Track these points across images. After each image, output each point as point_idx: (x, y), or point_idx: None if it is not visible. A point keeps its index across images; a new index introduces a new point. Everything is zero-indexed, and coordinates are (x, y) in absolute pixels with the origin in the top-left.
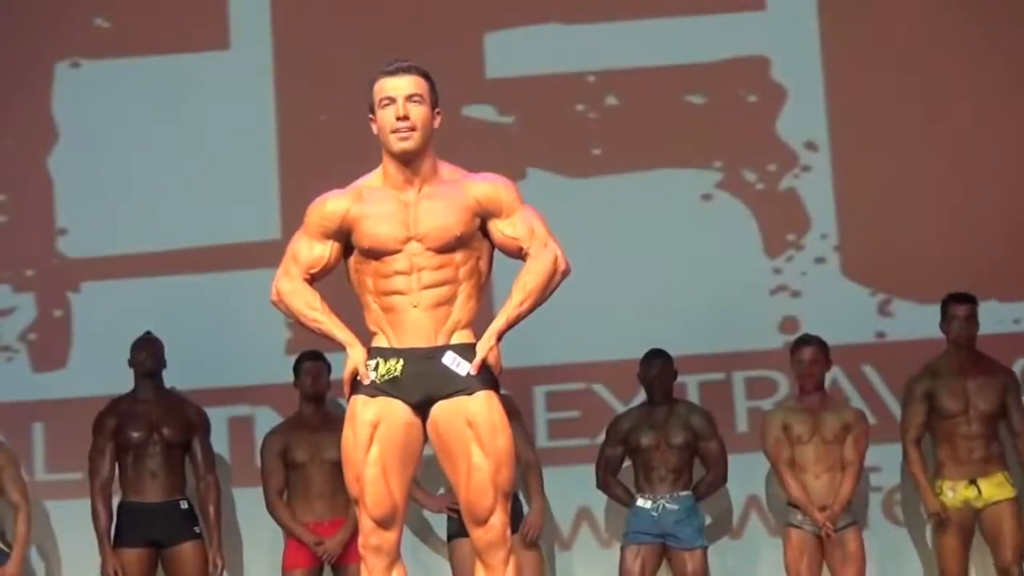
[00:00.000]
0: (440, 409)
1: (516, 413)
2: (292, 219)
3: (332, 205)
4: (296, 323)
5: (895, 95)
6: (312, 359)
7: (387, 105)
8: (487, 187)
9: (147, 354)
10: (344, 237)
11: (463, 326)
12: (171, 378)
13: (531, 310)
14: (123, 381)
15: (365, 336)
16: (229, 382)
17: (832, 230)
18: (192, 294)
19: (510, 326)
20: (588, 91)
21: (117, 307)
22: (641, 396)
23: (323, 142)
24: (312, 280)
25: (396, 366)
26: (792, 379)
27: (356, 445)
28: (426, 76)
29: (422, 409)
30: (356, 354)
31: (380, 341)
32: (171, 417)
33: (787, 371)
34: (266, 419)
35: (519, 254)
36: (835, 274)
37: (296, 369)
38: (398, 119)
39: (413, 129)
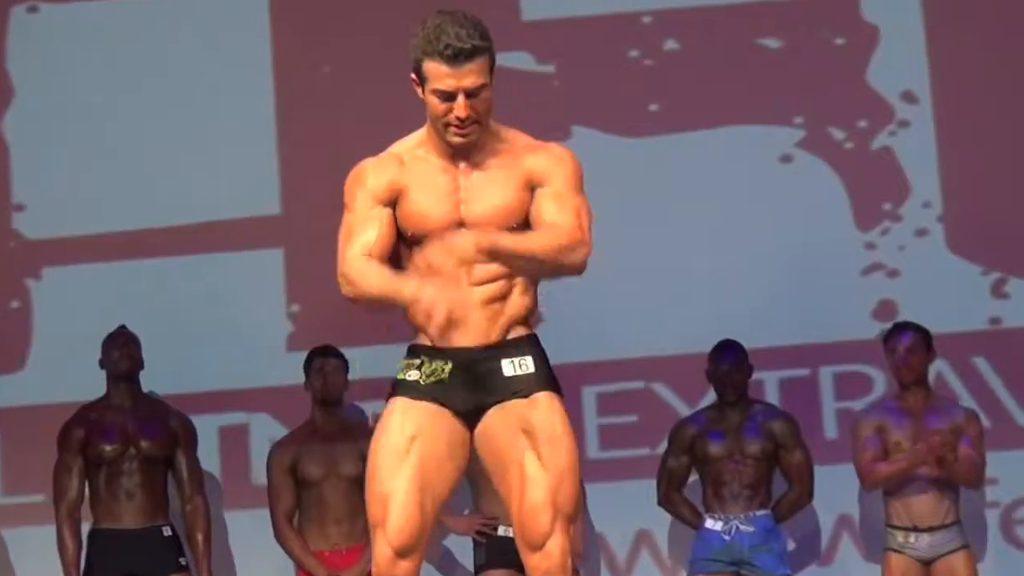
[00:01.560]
0: (493, 416)
1: None
2: (294, 190)
3: (376, 174)
4: (381, 306)
5: (1010, 34)
6: (324, 355)
7: (443, 97)
8: (545, 157)
9: (121, 353)
10: (394, 206)
11: (519, 321)
12: (150, 381)
13: (521, 259)
14: (93, 385)
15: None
16: (219, 385)
17: (935, 197)
18: (175, 281)
19: (504, 252)
20: (643, 34)
21: (85, 297)
22: (710, 397)
23: (329, 97)
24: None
25: (444, 367)
26: (889, 374)
27: (389, 457)
28: (487, 50)
29: (470, 420)
30: (427, 290)
31: (424, 340)
32: (150, 427)
33: (883, 365)
34: (263, 428)
35: None
36: (939, 249)
37: (306, 367)
38: (458, 118)
39: (473, 124)
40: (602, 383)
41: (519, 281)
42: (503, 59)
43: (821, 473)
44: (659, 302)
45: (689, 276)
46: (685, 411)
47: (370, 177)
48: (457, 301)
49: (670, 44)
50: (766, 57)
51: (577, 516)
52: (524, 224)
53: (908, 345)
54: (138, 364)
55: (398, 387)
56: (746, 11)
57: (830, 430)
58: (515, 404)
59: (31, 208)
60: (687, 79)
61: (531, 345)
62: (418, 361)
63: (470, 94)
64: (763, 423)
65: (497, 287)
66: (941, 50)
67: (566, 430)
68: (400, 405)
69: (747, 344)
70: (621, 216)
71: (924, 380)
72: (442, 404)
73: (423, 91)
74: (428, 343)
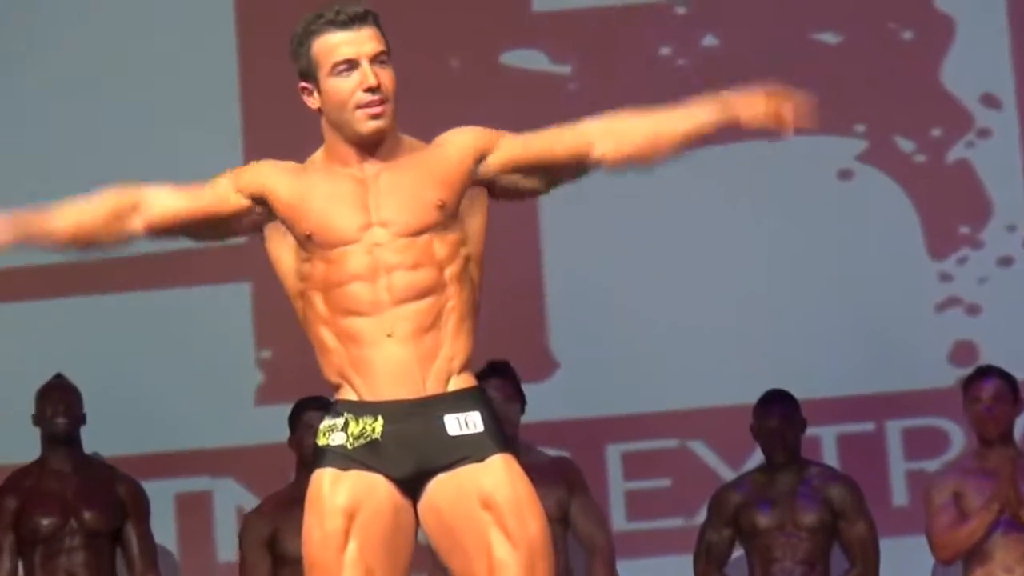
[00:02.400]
0: (441, 486)
1: (580, 482)
2: None
3: (259, 165)
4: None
5: None
6: (315, 409)
7: (345, 71)
8: (469, 133)
9: (57, 409)
10: (263, 203)
11: (460, 367)
12: (93, 441)
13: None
14: (25, 446)
15: (328, 389)
16: (176, 445)
17: (1022, 219)
18: (121, 321)
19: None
20: (676, 28)
21: (14, 340)
22: (757, 458)
23: (299, 107)
24: (157, 229)
25: (374, 426)
26: (969, 429)
27: (325, 542)
28: (379, 20)
29: (412, 486)
30: None
31: (347, 393)
32: (94, 496)
33: (962, 419)
34: (229, 495)
35: (585, 155)
36: None
37: (292, 422)
38: (368, 90)
39: (385, 101)
40: (629, 441)
41: (453, 303)
42: (510, 57)
43: (888, 547)
44: (696, 345)
45: (731, 314)
46: (727, 474)
47: (250, 169)
48: None
49: (708, 40)
50: (822, 55)
51: None
52: (449, 209)
53: (993, 393)
54: (78, 421)
55: (321, 456)
56: (798, 0)
57: (899, 496)
58: (467, 471)
59: None
60: (728, 81)
61: (477, 400)
62: (341, 421)
63: (374, 60)
64: (819, 488)
65: (426, 306)
66: None
67: (532, 497)
68: (328, 478)
69: (799, 395)
70: (651, 243)
71: (1010, 436)
72: (376, 470)
73: (318, 89)
74: (353, 397)
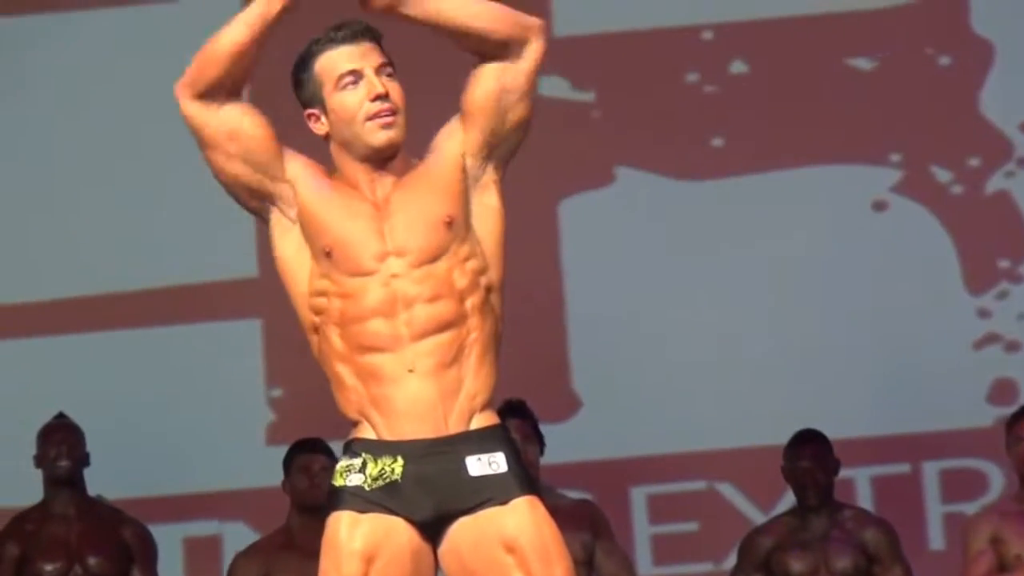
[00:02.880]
0: (463, 530)
1: (605, 525)
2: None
3: (297, 155)
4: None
5: None
6: (311, 451)
7: (351, 84)
8: (451, 129)
9: (60, 450)
10: (283, 184)
11: (482, 404)
12: (98, 483)
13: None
14: (27, 489)
15: (341, 428)
16: (183, 488)
17: None
18: (127, 359)
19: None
20: (704, 53)
21: (16, 379)
22: (788, 500)
23: (307, 134)
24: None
25: (394, 467)
26: (1009, 471)
27: None
28: (381, 39)
29: (432, 530)
30: None
31: (365, 431)
32: (99, 540)
33: (1002, 460)
34: (238, 539)
35: (505, 55)
36: None
37: (287, 464)
38: (377, 98)
39: (396, 112)
40: (655, 483)
41: (475, 336)
42: None
43: None
44: (724, 383)
45: (760, 350)
46: (757, 518)
47: (291, 152)
48: None
49: (737, 66)
50: (855, 81)
51: None
52: (457, 223)
53: None
54: (81, 462)
55: (338, 498)
56: (830, 24)
57: (936, 540)
58: (490, 514)
59: None
60: (757, 109)
61: (501, 439)
62: (359, 461)
63: (379, 71)
64: (853, 532)
65: (447, 339)
66: None
67: (557, 540)
68: (345, 521)
69: (832, 434)
70: (676, 276)
71: None
72: (395, 513)
73: (324, 110)
74: (372, 436)
